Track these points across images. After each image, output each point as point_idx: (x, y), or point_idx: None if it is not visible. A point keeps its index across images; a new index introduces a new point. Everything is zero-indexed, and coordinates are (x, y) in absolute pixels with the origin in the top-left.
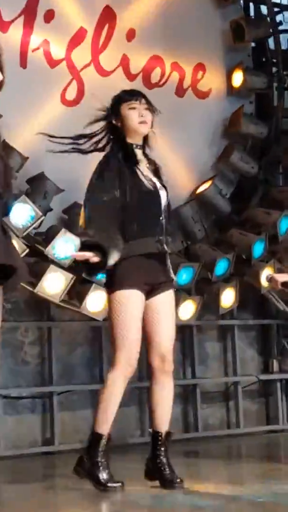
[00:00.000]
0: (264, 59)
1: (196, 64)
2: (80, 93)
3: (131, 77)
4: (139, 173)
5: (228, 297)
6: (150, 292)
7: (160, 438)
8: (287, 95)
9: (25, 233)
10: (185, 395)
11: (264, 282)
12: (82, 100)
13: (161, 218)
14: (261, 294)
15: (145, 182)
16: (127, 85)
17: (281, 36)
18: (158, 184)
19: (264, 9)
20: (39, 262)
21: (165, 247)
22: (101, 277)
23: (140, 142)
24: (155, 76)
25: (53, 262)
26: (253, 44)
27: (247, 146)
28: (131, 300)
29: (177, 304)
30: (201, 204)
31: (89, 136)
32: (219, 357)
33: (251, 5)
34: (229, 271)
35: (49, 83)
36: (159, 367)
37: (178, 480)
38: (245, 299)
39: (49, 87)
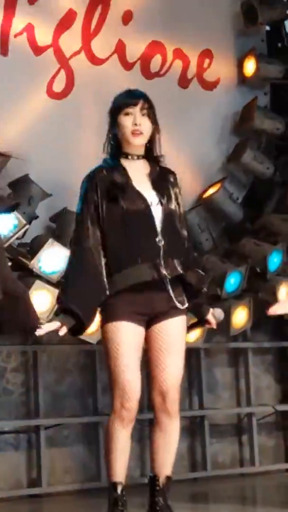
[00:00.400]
0: (279, 45)
1: (202, 51)
2: (69, 84)
3: (127, 65)
4: (128, 191)
5: (240, 317)
6: (149, 321)
7: (157, 483)
8: None
9: (7, 244)
10: (192, 429)
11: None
12: (71, 92)
13: (157, 239)
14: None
15: (130, 202)
16: (123, 75)
17: None
18: (155, 199)
19: None
20: (23, 277)
21: (164, 272)
22: None
23: (139, 152)
24: (155, 64)
25: (39, 277)
26: (267, 28)
27: (261, 144)
28: (121, 330)
29: None
30: (208, 210)
31: None
32: (231, 384)
33: None
34: (242, 287)
35: (33, 73)
36: (159, 406)
37: None
38: (260, 319)
39: (33, 77)
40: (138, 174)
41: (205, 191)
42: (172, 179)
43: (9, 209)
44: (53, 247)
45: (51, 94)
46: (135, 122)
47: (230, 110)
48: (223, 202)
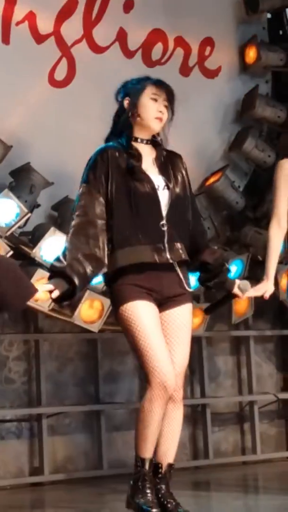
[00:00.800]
0: (281, 33)
1: (204, 39)
2: (71, 72)
3: (129, 54)
4: (136, 173)
5: (242, 305)
6: (159, 306)
7: (160, 470)
8: None
9: (8, 233)
10: (194, 417)
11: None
12: (72, 80)
13: (161, 223)
14: (280, 301)
15: (140, 184)
16: (125, 63)
17: None
18: (162, 184)
19: None
20: (25, 266)
21: (168, 256)
22: (96, 283)
23: (147, 137)
24: (156, 52)
25: (40, 265)
26: (268, 16)
27: (262, 132)
28: (139, 307)
29: None
30: (210, 198)
31: None
32: (232, 373)
33: None
34: (243, 275)
35: (35, 61)
36: None
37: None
38: (261, 307)
39: (35, 65)
40: (146, 158)
41: (206, 179)
42: (178, 162)
43: None
44: (55, 236)
45: (52, 82)
46: (159, 110)
47: (231, 98)
48: (225, 190)
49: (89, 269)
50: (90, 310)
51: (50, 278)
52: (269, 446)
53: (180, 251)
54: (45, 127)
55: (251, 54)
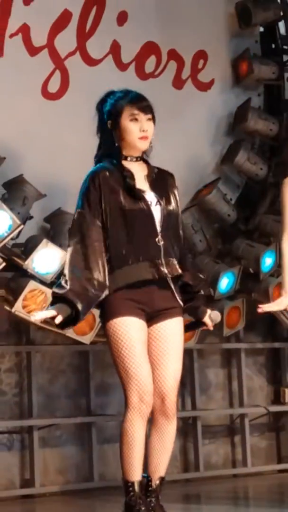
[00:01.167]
0: (273, 46)
1: (197, 52)
2: (64, 85)
3: (122, 66)
4: (135, 193)
5: (233, 317)
6: (150, 320)
7: (150, 483)
8: None
9: (1, 244)
10: (185, 430)
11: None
12: (66, 92)
13: (157, 239)
14: (271, 314)
15: (133, 201)
16: (118, 76)
17: None
18: (154, 200)
19: None
20: (17, 278)
21: (165, 271)
22: None
23: (137, 154)
24: (149, 65)
25: (33, 277)
26: (261, 29)
27: (254, 145)
28: (127, 324)
29: None
30: (202, 211)
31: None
32: (223, 385)
33: None
34: (235, 287)
35: (28, 73)
36: (158, 408)
37: None
38: (253, 320)
39: (28, 77)
40: (138, 175)
41: (199, 192)
42: (170, 181)
43: None
44: (47, 248)
45: (46, 94)
46: (142, 129)
47: (224, 111)
48: (217, 203)
49: (91, 292)
50: (81, 322)
51: (52, 303)
52: (260, 459)
53: (176, 266)
54: (38, 139)
55: (243, 67)
